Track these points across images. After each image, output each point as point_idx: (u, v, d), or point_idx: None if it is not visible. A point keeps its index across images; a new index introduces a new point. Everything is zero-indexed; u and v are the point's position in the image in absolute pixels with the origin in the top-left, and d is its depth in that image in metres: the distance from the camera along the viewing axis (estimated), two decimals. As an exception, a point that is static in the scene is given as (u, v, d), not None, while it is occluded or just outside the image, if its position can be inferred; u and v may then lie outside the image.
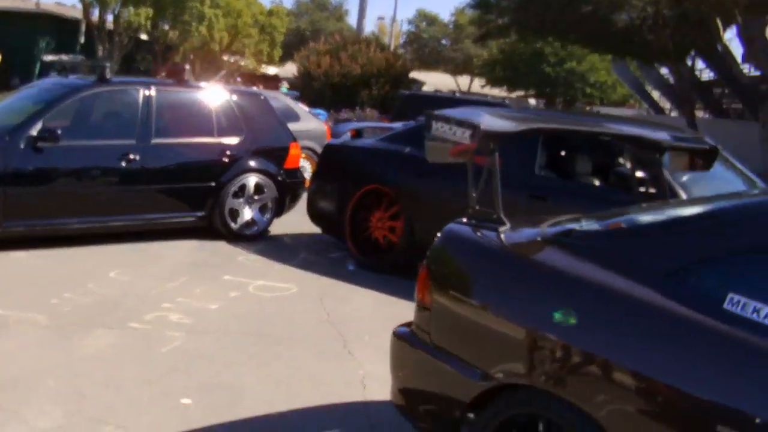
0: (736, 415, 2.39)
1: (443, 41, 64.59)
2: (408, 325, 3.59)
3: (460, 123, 3.47)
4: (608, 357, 2.71)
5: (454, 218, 7.39)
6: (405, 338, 3.48)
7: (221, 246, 7.86)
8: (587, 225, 3.31)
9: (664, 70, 34.93)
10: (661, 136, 4.59)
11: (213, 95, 8.32)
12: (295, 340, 5.29)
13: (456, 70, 62.11)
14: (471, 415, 3.15)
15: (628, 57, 32.30)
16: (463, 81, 62.47)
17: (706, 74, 33.70)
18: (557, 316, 2.79)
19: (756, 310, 2.48)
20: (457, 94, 18.79)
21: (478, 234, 3.43)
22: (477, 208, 3.58)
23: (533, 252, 3.22)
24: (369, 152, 7.91)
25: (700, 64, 32.21)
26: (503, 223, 3.44)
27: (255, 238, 8.23)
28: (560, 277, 2.99)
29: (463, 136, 3.44)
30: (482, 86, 57.61)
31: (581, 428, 2.72)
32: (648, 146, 4.47)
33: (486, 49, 52.74)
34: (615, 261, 2.90)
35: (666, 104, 40.99)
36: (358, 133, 8.74)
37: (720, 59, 27.69)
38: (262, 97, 9.02)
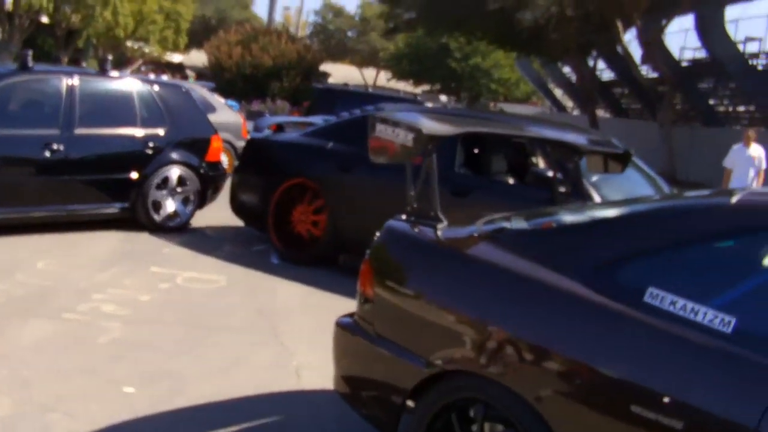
0: (648, 396, 2.69)
1: (349, 33, 64.80)
2: (350, 315, 3.81)
3: (404, 126, 3.71)
4: (540, 344, 2.98)
5: (378, 212, 7.63)
6: (348, 328, 3.70)
7: (145, 237, 7.91)
8: (517, 224, 3.60)
9: (566, 69, 36.08)
10: (580, 140, 4.95)
11: (135, 86, 8.33)
12: (229, 331, 5.45)
13: (362, 62, 62.46)
14: (410, 403, 3.40)
15: (533, 55, 33.20)
16: (369, 73, 62.87)
17: (607, 74, 34.92)
18: None
19: (672, 303, 2.79)
20: (370, 89, 19.08)
21: (417, 231, 3.67)
22: (415, 206, 3.83)
23: (470, 247, 3.49)
24: (292, 147, 8.07)
25: (601, 64, 33.36)
26: (440, 221, 3.69)
27: (178, 230, 8.31)
28: (496, 270, 3.26)
29: (406, 138, 3.68)
30: (388, 79, 58.17)
31: (516, 411, 2.99)
32: (568, 150, 4.82)
33: (392, 43, 53.28)
34: (546, 257, 3.18)
35: (568, 102, 42.28)
36: (279, 128, 8.90)
37: (620, 60, 28.79)
38: (184, 89, 9.07)
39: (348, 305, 6.28)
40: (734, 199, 3.07)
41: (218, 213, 9.15)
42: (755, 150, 12.64)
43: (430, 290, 3.44)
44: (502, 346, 3.07)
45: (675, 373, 2.70)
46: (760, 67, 26.14)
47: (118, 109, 8.03)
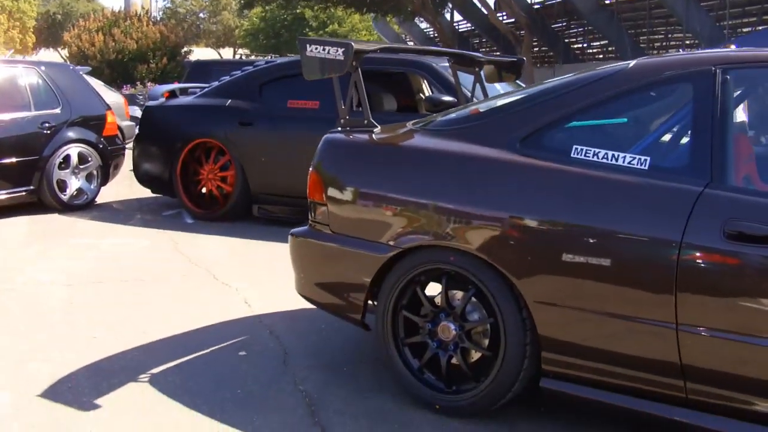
0: (589, 231, 3.12)
1: (201, 14, 63.86)
2: (300, 226, 4.10)
3: (333, 44, 4.01)
4: (487, 209, 3.36)
5: (283, 160, 7.88)
6: (305, 235, 3.98)
7: (55, 217, 7.91)
8: (443, 116, 3.97)
9: (424, 25, 36.85)
10: (476, 54, 5.34)
11: (24, 70, 8.25)
12: (168, 281, 5.62)
13: (218, 43, 61.69)
14: (372, 303, 3.73)
15: (389, 14, 33.74)
16: (226, 53, 62.19)
17: (464, 25, 35.84)
18: None
19: (596, 154, 3.23)
20: (243, 57, 19.10)
21: (354, 137, 4.01)
22: (348, 118, 4.14)
23: (406, 140, 3.84)
24: (191, 108, 8.17)
25: (457, 16, 34.22)
26: (375, 126, 4.03)
27: (86, 207, 8.34)
28: (435, 154, 3.62)
29: (336, 53, 3.98)
30: (247, 56, 57.68)
31: (476, 271, 3.37)
32: (469, 62, 5.20)
33: (246, 19, 52.84)
34: (476, 137, 3.57)
35: (430, 57, 43.07)
36: (172, 94, 8.95)
37: (475, 10, 29.68)
38: (71, 68, 9.02)
39: (271, 249, 6.59)
40: (631, 64, 3.52)
41: (119, 190, 9.23)
42: None
43: (377, 182, 3.76)
44: (454, 218, 3.43)
45: (612, 207, 3.13)
46: (606, 1, 27.53)
47: (11, 93, 7.95)
